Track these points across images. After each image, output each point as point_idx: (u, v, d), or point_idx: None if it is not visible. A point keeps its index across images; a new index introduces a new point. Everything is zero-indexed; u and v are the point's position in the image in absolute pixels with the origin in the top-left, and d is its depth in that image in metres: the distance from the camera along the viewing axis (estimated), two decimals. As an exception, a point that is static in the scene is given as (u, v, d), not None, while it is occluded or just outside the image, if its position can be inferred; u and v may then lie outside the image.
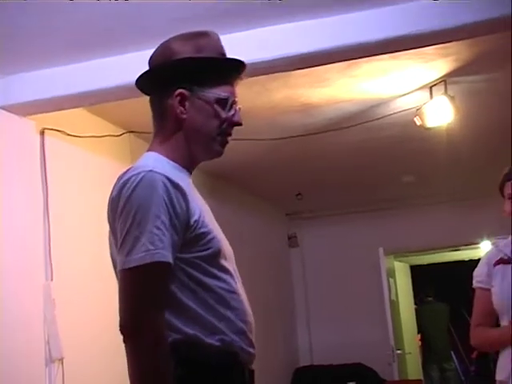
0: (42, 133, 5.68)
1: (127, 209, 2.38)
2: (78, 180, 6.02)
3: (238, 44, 4.35)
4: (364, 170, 9.23)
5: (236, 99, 2.66)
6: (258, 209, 10.49)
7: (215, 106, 2.59)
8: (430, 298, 13.58)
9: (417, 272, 14.31)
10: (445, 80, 6.38)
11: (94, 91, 5.07)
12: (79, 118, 6.03)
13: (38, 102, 5.18)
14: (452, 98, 6.50)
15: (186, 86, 2.58)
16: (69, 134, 5.90)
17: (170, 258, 2.37)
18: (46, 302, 5.36)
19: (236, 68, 2.69)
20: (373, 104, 6.82)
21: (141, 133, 6.35)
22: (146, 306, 2.34)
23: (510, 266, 3.97)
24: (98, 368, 5.74)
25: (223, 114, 2.60)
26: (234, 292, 2.54)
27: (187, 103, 2.59)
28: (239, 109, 2.70)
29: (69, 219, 5.80)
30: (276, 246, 11.29)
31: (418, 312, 13.32)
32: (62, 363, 5.49)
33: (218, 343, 2.43)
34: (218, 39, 2.72)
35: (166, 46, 2.68)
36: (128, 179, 2.42)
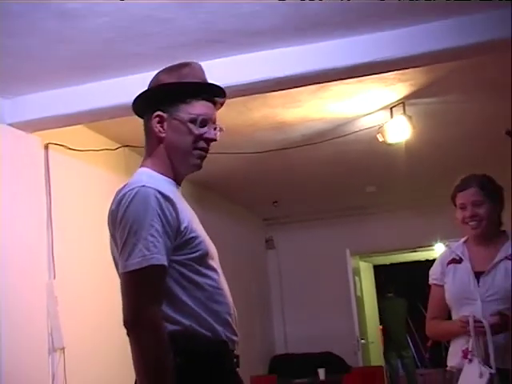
0: (46, 147, 5.67)
1: (125, 220, 2.43)
2: (78, 188, 6.01)
3: (221, 68, 4.36)
4: (332, 180, 9.25)
5: (210, 118, 2.67)
6: (239, 215, 10.50)
7: (189, 124, 2.61)
8: (390, 294, 13.61)
9: (379, 271, 14.34)
10: (403, 102, 6.43)
11: (93, 110, 5.07)
12: (79, 134, 6.01)
13: (43, 119, 5.16)
14: (410, 118, 6.54)
15: (164, 109, 2.62)
16: (70, 148, 5.89)
17: (164, 261, 2.41)
18: (49, 298, 5.34)
19: (206, 91, 2.70)
20: (340, 122, 6.83)
21: (134, 147, 6.34)
22: (145, 303, 2.37)
23: (460, 265, 4.00)
24: (96, 356, 5.73)
25: (196, 131, 2.62)
26: (220, 288, 2.57)
27: (165, 123, 2.63)
28: (220, 129, 2.72)
29: (70, 224, 5.78)
30: (255, 248, 11.30)
31: (380, 306, 13.34)
32: (64, 352, 5.47)
33: (208, 333, 2.46)
34: (200, 68, 2.75)
35: (156, 77, 2.74)
36: (124, 194, 2.46)
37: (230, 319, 2.56)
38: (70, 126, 5.49)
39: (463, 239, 4.10)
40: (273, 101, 5.94)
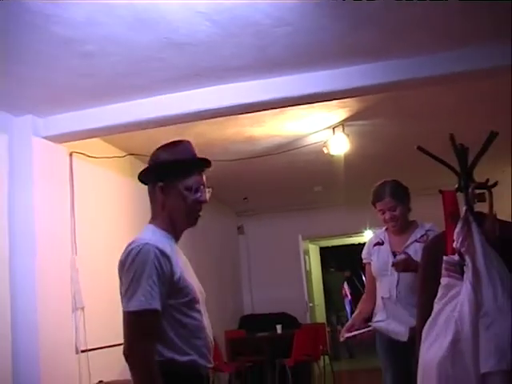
0: (71, 155, 5.65)
1: (130, 270, 2.42)
2: (94, 186, 6.00)
3: (203, 96, 4.37)
4: (288, 182, 9.27)
5: (202, 184, 2.65)
6: (217, 208, 10.49)
7: (185, 192, 2.59)
8: (332, 269, 13.71)
9: (324, 251, 14.42)
10: (343, 123, 6.47)
11: (106, 127, 5.06)
12: (96, 145, 6.00)
13: (68, 134, 5.17)
14: (348, 136, 6.60)
15: (165, 180, 2.60)
16: (89, 156, 5.88)
17: (157, 306, 2.39)
18: (72, 269, 5.35)
19: (198, 164, 2.69)
20: (295, 138, 6.86)
21: (138, 155, 6.33)
22: (137, 340, 2.37)
23: (382, 246, 4.07)
24: (108, 313, 5.70)
25: (191, 197, 2.60)
26: (201, 327, 2.54)
27: (166, 191, 2.60)
28: (209, 191, 2.68)
29: (88, 213, 5.77)
30: (229, 234, 11.31)
31: (323, 278, 13.42)
32: (83, 310, 5.50)
33: (188, 362, 2.45)
34: (190, 145, 2.71)
35: (154, 153, 2.70)
36: (132, 249, 2.45)
37: (206, 352, 2.54)
38: (88, 138, 5.49)
39: (384, 228, 4.17)
40: (243, 121, 5.95)
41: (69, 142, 5.35)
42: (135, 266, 2.41)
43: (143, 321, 2.38)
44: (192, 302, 2.52)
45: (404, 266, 3.79)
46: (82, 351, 5.41)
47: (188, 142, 2.72)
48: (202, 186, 2.65)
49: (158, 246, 2.45)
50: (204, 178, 2.69)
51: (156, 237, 2.52)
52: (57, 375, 4.90)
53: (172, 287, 2.45)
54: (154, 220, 2.65)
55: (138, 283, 2.38)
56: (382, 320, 3.91)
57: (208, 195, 2.68)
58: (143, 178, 2.72)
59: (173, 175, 2.60)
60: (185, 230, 2.71)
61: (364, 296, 4.29)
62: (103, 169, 6.18)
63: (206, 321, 2.60)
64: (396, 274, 3.89)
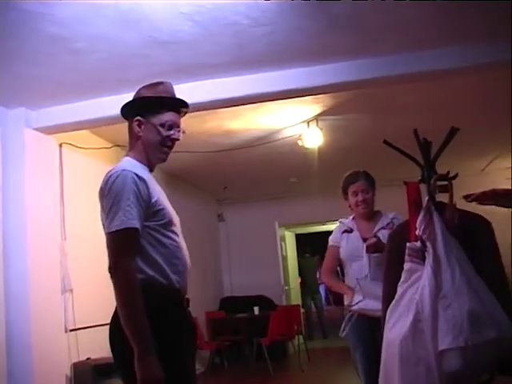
0: (61, 146, 5.67)
1: (110, 194, 2.40)
2: (82, 176, 5.99)
3: (184, 91, 4.35)
4: (265, 173, 9.29)
5: (175, 123, 2.64)
6: (198, 196, 10.50)
7: (158, 127, 2.59)
8: (307, 255, 13.74)
9: (299, 238, 14.45)
10: (317, 118, 6.49)
11: (94, 119, 5.09)
12: (84, 136, 6.00)
13: (58, 126, 5.17)
14: (321, 129, 6.63)
15: (142, 115, 2.60)
16: (77, 147, 5.88)
17: (137, 225, 2.38)
18: (61, 254, 5.37)
19: (174, 103, 2.67)
20: (271, 131, 6.88)
21: (124, 146, 6.30)
22: (121, 256, 2.35)
23: (351, 234, 4.09)
24: (94, 295, 5.74)
25: (164, 133, 2.59)
26: (179, 247, 2.54)
27: (143, 126, 2.59)
28: (183, 131, 2.68)
29: (76, 201, 5.78)
30: (210, 220, 11.31)
31: (299, 263, 13.45)
32: (72, 292, 5.52)
33: (165, 282, 2.44)
34: (171, 86, 2.71)
35: (138, 91, 2.70)
36: (111, 175, 2.44)
37: (183, 270, 2.53)
38: (77, 130, 5.50)
39: (351, 217, 4.19)
40: (222, 115, 5.97)
41: (59, 133, 5.35)
42: (115, 190, 2.40)
43: (126, 238, 2.37)
44: (169, 224, 2.52)
45: (375, 247, 3.83)
46: (71, 330, 5.44)
47: (169, 83, 2.72)
48: (176, 126, 2.65)
49: (135, 171, 2.45)
50: (179, 119, 2.69)
51: (132, 166, 2.52)
52: (48, 352, 4.91)
53: (149, 209, 2.45)
54: (130, 153, 2.65)
55: (118, 205, 2.37)
56: (359, 301, 3.93)
57: (181, 136, 2.67)
58: (125, 112, 2.71)
59: (149, 110, 2.61)
60: (156, 165, 2.69)
61: (324, 272, 4.28)
62: (91, 159, 6.17)
63: (183, 244, 2.60)
64: (366, 256, 3.91)
